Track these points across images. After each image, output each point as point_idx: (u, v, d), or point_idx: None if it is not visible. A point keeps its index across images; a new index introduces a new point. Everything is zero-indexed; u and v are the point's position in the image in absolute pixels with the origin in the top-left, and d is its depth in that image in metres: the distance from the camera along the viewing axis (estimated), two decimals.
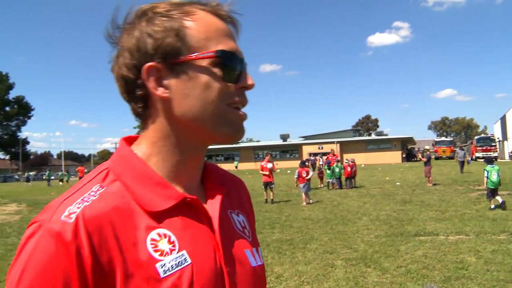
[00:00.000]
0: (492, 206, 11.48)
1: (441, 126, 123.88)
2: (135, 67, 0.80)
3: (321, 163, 28.72)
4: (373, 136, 70.21)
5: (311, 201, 14.89)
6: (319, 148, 57.15)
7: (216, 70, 0.80)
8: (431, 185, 19.00)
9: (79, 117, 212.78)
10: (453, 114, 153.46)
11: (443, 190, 16.92)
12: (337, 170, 20.12)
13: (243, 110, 0.86)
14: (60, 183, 39.68)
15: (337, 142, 57.85)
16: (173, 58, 0.79)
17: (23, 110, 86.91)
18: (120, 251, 0.72)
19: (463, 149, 28.28)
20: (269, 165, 15.68)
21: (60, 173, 44.35)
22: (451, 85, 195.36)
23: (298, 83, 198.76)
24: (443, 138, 62.38)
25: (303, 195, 14.82)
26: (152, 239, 0.75)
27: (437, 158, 51.11)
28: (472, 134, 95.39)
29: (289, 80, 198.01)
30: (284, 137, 67.34)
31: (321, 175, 22.76)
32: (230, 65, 0.81)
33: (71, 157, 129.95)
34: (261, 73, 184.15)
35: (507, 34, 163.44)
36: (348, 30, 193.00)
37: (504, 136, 54.25)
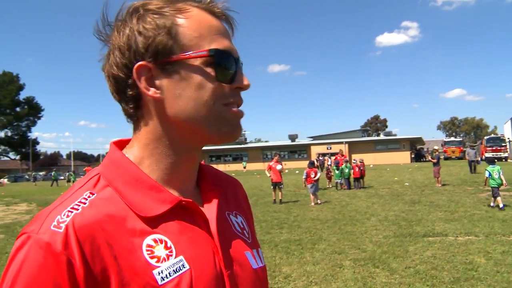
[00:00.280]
0: (501, 206, 11.43)
1: (450, 126, 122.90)
2: (126, 66, 0.78)
3: (329, 163, 28.58)
4: (382, 137, 69.99)
5: (319, 202, 14.86)
6: (327, 148, 56.97)
7: (209, 70, 0.77)
8: (440, 185, 18.89)
9: (88, 118, 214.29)
10: (463, 114, 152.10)
11: (452, 191, 16.81)
12: (346, 170, 20.07)
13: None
14: (67, 183, 39.89)
15: (346, 142, 57.66)
16: (165, 57, 0.77)
17: (33, 110, 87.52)
18: (114, 259, 0.70)
19: (474, 149, 27.97)
20: (279, 167, 15.68)
21: (67, 173, 44.55)
22: (461, 85, 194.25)
23: (306, 83, 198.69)
24: (452, 139, 61.92)
25: (311, 195, 14.80)
26: (148, 245, 0.73)
27: (446, 159, 50.77)
28: (482, 134, 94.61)
29: (297, 80, 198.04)
30: (293, 137, 67.22)
31: (329, 176, 22.72)
32: (224, 65, 0.79)
33: (80, 157, 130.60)
34: (269, 73, 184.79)
35: None
36: (357, 30, 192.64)
37: None
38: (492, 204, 11.91)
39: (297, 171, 38.44)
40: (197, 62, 0.77)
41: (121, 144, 0.88)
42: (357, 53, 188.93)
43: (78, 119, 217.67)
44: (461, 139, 65.55)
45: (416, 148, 66.28)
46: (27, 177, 60.58)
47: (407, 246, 7.82)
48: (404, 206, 13.13)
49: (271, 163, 16.13)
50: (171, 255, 0.74)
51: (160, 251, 0.74)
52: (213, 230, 0.81)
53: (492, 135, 52.56)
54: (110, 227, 0.72)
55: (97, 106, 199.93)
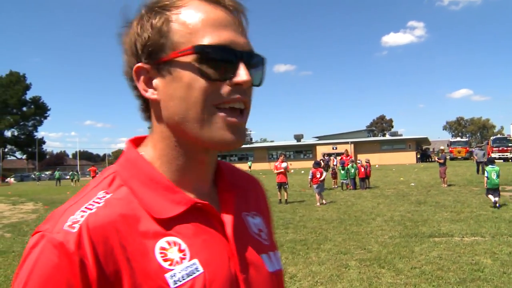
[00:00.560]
0: (495, 202, 11.89)
1: (456, 126, 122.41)
2: (131, 68, 0.78)
3: (335, 163, 28.52)
4: (388, 137, 69.82)
5: (324, 202, 14.84)
6: (333, 148, 56.85)
7: (199, 67, 0.73)
8: (446, 185, 18.83)
9: (94, 117, 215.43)
10: (469, 114, 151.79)
11: (458, 191, 16.74)
12: (352, 170, 20.02)
13: (247, 109, 0.79)
14: (72, 183, 40.08)
15: (351, 142, 57.60)
16: (158, 57, 0.75)
17: (40, 110, 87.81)
18: (127, 261, 0.69)
19: (482, 149, 27.72)
20: (284, 165, 15.69)
21: (70, 172, 44.70)
22: (467, 85, 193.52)
23: (312, 83, 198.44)
24: (458, 139, 61.73)
25: (317, 195, 14.77)
26: (161, 248, 0.72)
27: (452, 159, 50.56)
28: (488, 135, 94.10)
29: (303, 80, 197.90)
30: (298, 137, 67.23)
31: (335, 175, 22.67)
32: (216, 60, 0.73)
33: (86, 157, 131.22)
34: (275, 73, 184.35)
35: None
36: (362, 30, 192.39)
37: None
38: (496, 204, 11.91)
39: (302, 171, 38.40)
40: (188, 60, 0.73)
41: (137, 142, 0.86)
42: (363, 53, 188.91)
43: (84, 119, 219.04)
44: (467, 139, 65.26)
45: (422, 149, 66.07)
46: (33, 176, 60.92)
47: (413, 246, 7.80)
48: (410, 207, 13.09)
49: (276, 163, 16.17)
50: (185, 258, 0.73)
51: (173, 253, 0.72)
52: (229, 232, 0.79)
53: (499, 136, 52.23)
54: (124, 228, 0.71)
55: (103, 106, 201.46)
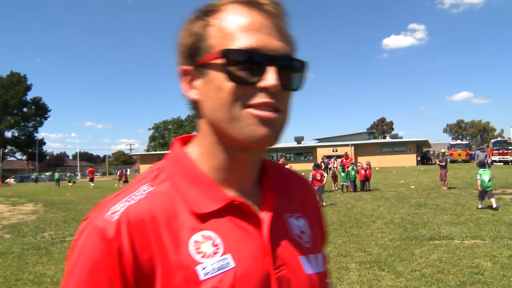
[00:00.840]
0: (480, 206, 12.48)
1: (457, 129, 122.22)
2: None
3: (335, 165, 28.50)
4: (388, 139, 69.68)
5: (325, 204, 14.84)
6: (333, 150, 56.80)
7: (228, 70, 0.75)
8: (446, 188, 18.83)
9: (95, 118, 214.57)
10: (469, 117, 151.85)
11: (459, 194, 16.76)
12: (352, 173, 20.02)
13: (282, 112, 0.79)
14: (69, 184, 40.10)
15: (352, 144, 57.50)
16: (196, 60, 0.80)
17: (40, 111, 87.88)
18: (161, 251, 0.73)
19: (484, 151, 27.66)
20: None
21: (68, 174, 44.72)
22: (468, 87, 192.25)
23: (312, 85, 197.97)
24: (458, 141, 61.78)
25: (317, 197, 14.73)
26: (196, 241, 0.75)
27: (452, 162, 50.56)
28: (488, 137, 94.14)
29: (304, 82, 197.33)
30: (299, 140, 67.11)
31: (335, 178, 22.67)
32: (241, 64, 0.74)
33: (87, 158, 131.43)
34: None
35: None
36: (363, 33, 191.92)
37: None
38: (480, 206, 12.51)
39: (303, 173, 38.16)
40: (217, 63, 0.76)
41: (185, 140, 0.92)
42: (364, 55, 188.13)
43: (84, 120, 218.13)
44: (467, 142, 65.32)
45: (422, 151, 66.01)
46: (33, 177, 61.03)
47: (413, 249, 7.80)
48: (410, 209, 13.10)
49: None
50: (218, 253, 0.75)
51: (207, 247, 0.75)
52: (265, 231, 0.80)
53: (499, 138, 52.36)
54: (162, 220, 0.75)
55: (103, 107, 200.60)
